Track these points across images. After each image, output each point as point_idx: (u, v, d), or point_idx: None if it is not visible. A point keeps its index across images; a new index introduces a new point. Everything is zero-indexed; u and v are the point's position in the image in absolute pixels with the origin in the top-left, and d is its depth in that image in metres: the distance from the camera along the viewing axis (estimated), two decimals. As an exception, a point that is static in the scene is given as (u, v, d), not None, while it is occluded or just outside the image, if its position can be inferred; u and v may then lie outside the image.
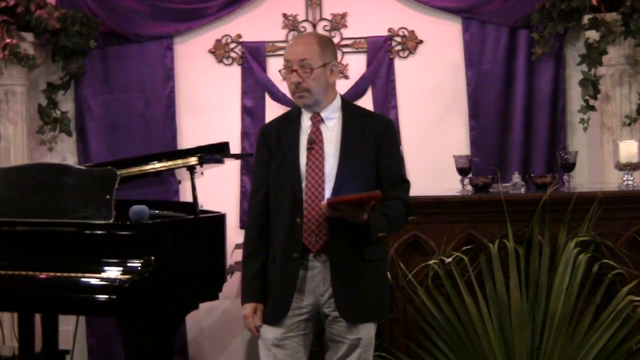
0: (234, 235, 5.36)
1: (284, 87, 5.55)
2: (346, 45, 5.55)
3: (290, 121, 3.30)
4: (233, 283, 5.40)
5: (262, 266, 3.26)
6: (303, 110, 3.29)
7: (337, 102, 3.30)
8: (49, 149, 5.45)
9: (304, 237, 3.17)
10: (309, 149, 3.21)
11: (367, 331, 3.26)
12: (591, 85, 5.07)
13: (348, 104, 3.35)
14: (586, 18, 5.10)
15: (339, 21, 5.55)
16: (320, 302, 3.23)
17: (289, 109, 5.50)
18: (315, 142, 3.22)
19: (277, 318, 3.23)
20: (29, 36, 5.24)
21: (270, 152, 3.27)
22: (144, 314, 3.95)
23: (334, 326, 3.24)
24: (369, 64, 5.50)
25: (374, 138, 3.24)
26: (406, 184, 3.30)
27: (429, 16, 5.51)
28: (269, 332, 3.25)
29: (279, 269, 3.21)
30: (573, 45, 5.39)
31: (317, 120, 3.26)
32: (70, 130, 5.46)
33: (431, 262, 4.25)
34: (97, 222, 4.02)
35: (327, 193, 3.17)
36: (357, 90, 5.49)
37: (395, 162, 3.28)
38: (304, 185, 3.18)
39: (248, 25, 5.57)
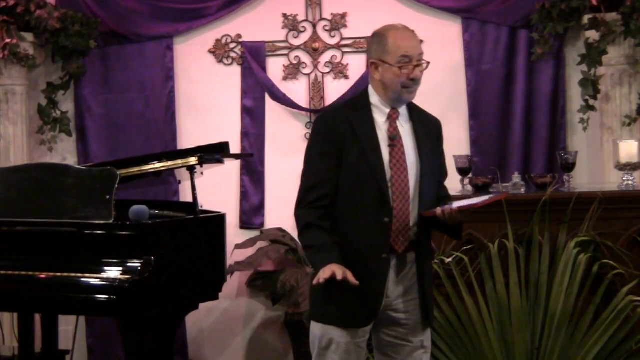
0: (234, 235, 5.36)
1: (283, 87, 5.55)
2: (346, 45, 5.55)
3: (361, 113, 3.10)
4: (233, 283, 5.40)
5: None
6: (375, 102, 3.13)
7: None
8: (49, 149, 5.44)
9: (392, 237, 3.04)
10: (391, 146, 3.05)
11: (428, 332, 3.25)
12: (591, 85, 5.07)
13: None
14: (586, 18, 5.10)
15: (339, 21, 5.54)
16: (386, 304, 3.10)
17: (288, 108, 5.61)
18: (397, 138, 3.07)
19: (367, 320, 3.08)
20: (29, 36, 5.24)
21: (339, 144, 3.03)
22: (144, 314, 3.94)
23: (396, 329, 3.15)
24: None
25: (435, 137, 3.21)
26: None
27: (429, 16, 5.51)
28: (344, 337, 3.07)
29: (364, 269, 3.00)
30: (573, 45, 5.39)
31: (395, 116, 3.11)
32: (70, 130, 5.46)
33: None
34: (97, 222, 4.02)
35: (411, 191, 3.05)
36: (357, 90, 5.46)
37: (444, 161, 3.28)
38: (390, 183, 3.02)
39: (248, 25, 5.57)
